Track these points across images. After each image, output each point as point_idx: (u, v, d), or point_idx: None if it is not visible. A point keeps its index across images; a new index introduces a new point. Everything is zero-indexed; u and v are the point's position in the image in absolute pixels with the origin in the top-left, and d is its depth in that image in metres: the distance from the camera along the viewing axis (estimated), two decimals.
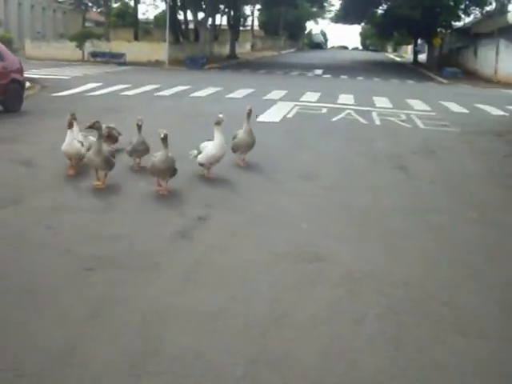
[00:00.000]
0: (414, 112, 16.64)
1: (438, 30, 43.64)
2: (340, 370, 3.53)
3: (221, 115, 7.57)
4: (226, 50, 49.78)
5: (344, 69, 41.13)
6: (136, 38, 42.68)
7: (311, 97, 19.43)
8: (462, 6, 40.46)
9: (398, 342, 3.88)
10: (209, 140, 7.74)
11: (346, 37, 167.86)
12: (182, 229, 5.96)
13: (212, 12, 42.85)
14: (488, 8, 41.62)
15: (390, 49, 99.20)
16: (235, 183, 7.86)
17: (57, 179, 7.75)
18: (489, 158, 10.69)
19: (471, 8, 41.47)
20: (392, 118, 15.02)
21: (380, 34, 59.41)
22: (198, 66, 35.78)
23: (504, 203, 7.67)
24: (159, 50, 38.00)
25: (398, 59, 69.53)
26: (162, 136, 6.65)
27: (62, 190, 7.29)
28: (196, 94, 19.16)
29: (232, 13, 48.16)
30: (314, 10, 75.17)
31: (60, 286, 4.59)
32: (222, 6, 48.22)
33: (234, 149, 8.61)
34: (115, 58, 35.26)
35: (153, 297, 4.44)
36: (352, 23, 60.63)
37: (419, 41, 53.46)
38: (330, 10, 71.47)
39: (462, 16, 43.11)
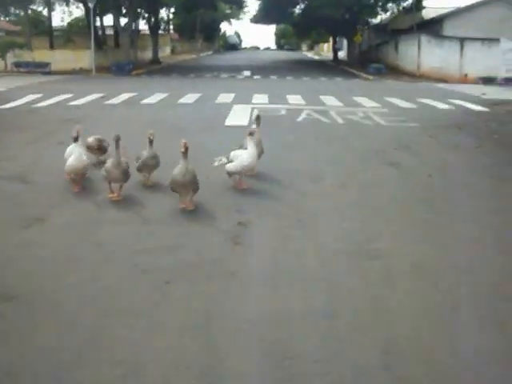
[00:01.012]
0: (366, 109, 17.11)
1: (358, 27, 44.80)
2: None
3: (254, 126, 7.53)
4: (146, 54, 49.25)
5: (270, 69, 41.64)
6: (52, 47, 41.47)
7: (261, 99, 19.61)
8: (381, 3, 41.66)
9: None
10: (239, 148, 7.69)
11: (259, 37, 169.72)
12: (231, 236, 5.98)
13: (134, 17, 42.25)
14: (404, 4, 43.05)
15: (304, 47, 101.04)
16: (254, 190, 7.83)
17: (64, 194, 7.51)
18: (463, 150, 11.19)
19: (388, 5, 42.84)
20: (351, 116, 15.40)
21: (298, 33, 60.45)
22: (125, 73, 35.28)
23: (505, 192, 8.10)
24: (83, 58, 37.26)
25: (316, 57, 70.91)
26: (183, 149, 6.38)
27: (78, 205, 7.09)
28: (146, 100, 18.94)
29: (152, 17, 47.65)
30: (228, 11, 75.42)
31: (152, 301, 4.55)
32: (141, 10, 47.55)
33: None
34: (40, 68, 34.19)
35: (252, 304, 4.48)
36: (271, 23, 61.38)
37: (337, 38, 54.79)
38: (245, 11, 71.91)
39: (381, 13, 44.46)
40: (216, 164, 7.70)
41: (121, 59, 38.29)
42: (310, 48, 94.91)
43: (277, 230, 6.23)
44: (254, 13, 57.22)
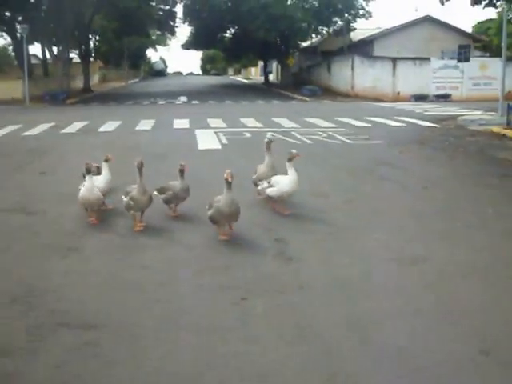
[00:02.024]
0: (325, 129, 17.58)
1: (290, 50, 45.85)
2: None
3: (294, 151, 7.42)
4: (77, 83, 48.52)
5: (206, 94, 41.96)
6: None
7: (218, 123, 19.80)
8: (313, 27, 42.87)
9: None
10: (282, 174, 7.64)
11: (183, 62, 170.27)
12: (276, 252, 6.12)
13: (67, 45, 41.69)
14: (335, 27, 44.45)
15: (230, 72, 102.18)
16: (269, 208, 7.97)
17: (79, 224, 7.44)
18: (439, 163, 11.76)
19: (319, 28, 44.13)
20: (315, 137, 15.80)
21: (229, 57, 61.17)
22: (59, 102, 34.72)
23: (496, 199, 8.63)
24: (14, 87, 36.40)
25: (246, 81, 71.81)
26: (230, 180, 6.19)
27: (103, 233, 7.03)
28: (102, 129, 18.82)
29: (83, 45, 47.12)
30: (154, 37, 75.36)
31: (235, 317, 4.67)
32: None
33: (255, 183, 8.27)
34: None
35: (335, 310, 4.66)
36: (201, 49, 61.84)
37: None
38: (170, 37, 71.96)
39: (313, 36, 45.72)
40: (259, 188, 7.83)
41: (52, 88, 37.63)
42: (238, 72, 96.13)
43: (314, 244, 6.42)
44: (186, 38, 57.35)
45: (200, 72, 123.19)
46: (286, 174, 7.48)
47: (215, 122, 20.02)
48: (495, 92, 36.23)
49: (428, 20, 41.98)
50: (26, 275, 5.71)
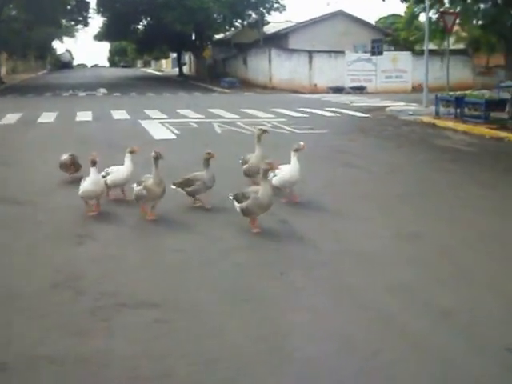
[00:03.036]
0: (267, 119, 18.04)
1: (205, 42, 45.98)
2: None
3: (301, 143, 7.58)
4: None
5: (124, 86, 41.39)
6: None
7: (157, 114, 19.82)
8: (228, 20, 43.20)
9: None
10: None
11: (90, 54, 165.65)
12: (289, 233, 6.52)
13: None
14: (249, 20, 44.96)
15: (139, 64, 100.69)
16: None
17: (76, 214, 7.42)
18: (391, 150, 12.50)
19: (234, 20, 44.52)
20: (262, 127, 16.05)
21: (141, 49, 60.41)
22: None
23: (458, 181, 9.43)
24: None
25: (158, 73, 71.12)
26: (270, 168, 6.28)
27: (109, 222, 7.11)
28: (41, 120, 18.43)
29: None
30: (63, 28, 72.98)
31: (282, 288, 5.02)
32: None
33: (247, 174, 8.40)
34: None
35: (369, 278, 5.11)
36: (114, 40, 60.68)
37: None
38: (78, 29, 70.11)
39: (227, 28, 46.05)
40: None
41: None
42: (148, 64, 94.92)
43: (317, 226, 6.86)
44: (98, 30, 56.09)
45: (106, 64, 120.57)
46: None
47: (154, 113, 20.02)
48: (406, 84, 38.20)
49: (341, 14, 43.32)
50: (53, 262, 5.75)
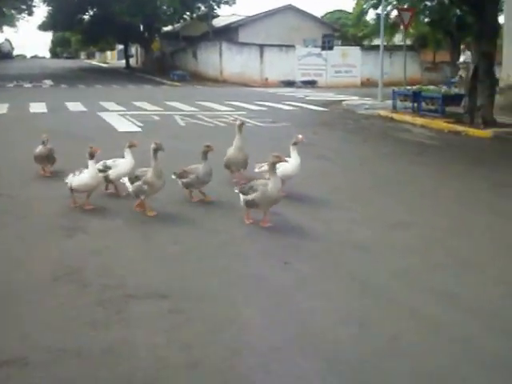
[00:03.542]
0: (228, 113, 18.05)
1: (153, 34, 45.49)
2: None
3: (300, 136, 7.46)
4: None
5: (71, 78, 40.63)
6: None
7: (113, 106, 19.57)
8: (178, 12, 42.87)
9: None
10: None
11: (32, 44, 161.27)
12: (283, 222, 6.58)
13: None
14: (199, 13, 44.72)
15: (83, 56, 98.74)
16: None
17: (56, 206, 7.26)
18: (357, 143, 12.73)
19: (183, 13, 44.21)
20: (225, 119, 16.21)
21: (87, 40, 59.26)
22: None
23: (424, 172, 9.72)
24: None
25: (104, 65, 69.88)
26: (278, 161, 6.22)
27: (97, 215, 6.98)
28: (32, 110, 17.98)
29: None
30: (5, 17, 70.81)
31: (288, 279, 5.08)
32: None
33: (227, 166, 8.30)
34: None
35: (375, 265, 5.24)
36: (59, 30, 59.29)
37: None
38: (19, 18, 68.19)
39: (177, 21, 45.67)
40: (257, 170, 7.75)
41: None
42: (91, 56, 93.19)
43: (308, 215, 6.97)
44: (43, 19, 54.65)
45: (47, 55, 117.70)
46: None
47: (111, 106, 19.74)
48: (355, 79, 38.84)
49: (290, 9, 43.59)
50: (47, 256, 5.62)
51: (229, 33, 42.52)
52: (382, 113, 18.58)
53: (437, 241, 6.14)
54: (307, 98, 25.01)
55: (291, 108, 20.26)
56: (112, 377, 3.59)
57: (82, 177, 6.84)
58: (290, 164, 7.42)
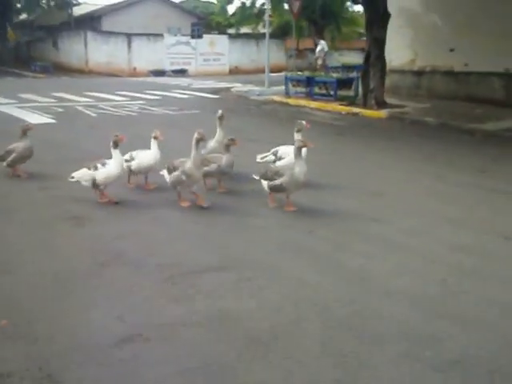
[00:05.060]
0: (127, 102, 17.92)
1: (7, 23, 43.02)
2: None
3: (304, 122, 7.36)
4: None
5: None
6: None
7: (1, 99, 18.62)
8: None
9: None
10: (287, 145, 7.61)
11: None
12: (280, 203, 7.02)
13: None
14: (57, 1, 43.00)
15: None
16: None
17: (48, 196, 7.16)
18: (276, 126, 13.34)
19: (40, 1, 42.28)
20: (133, 108, 16.21)
21: None
22: None
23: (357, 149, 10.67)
24: None
25: None
26: (305, 146, 6.34)
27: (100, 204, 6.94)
28: None
29: None
30: None
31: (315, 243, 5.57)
32: None
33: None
34: None
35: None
36: None
37: None
38: None
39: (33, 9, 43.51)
40: (259, 160, 7.70)
41: None
42: None
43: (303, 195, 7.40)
44: None
45: None
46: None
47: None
48: (223, 67, 39.51)
49: None
50: (73, 243, 5.62)
51: (91, 22, 41.34)
52: (276, 98, 19.31)
53: (423, 207, 7.06)
54: (192, 86, 25.27)
55: (186, 96, 20.47)
56: (235, 338, 3.83)
57: (108, 168, 6.52)
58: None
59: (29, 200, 7.08)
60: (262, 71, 23.84)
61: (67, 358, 3.58)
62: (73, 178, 6.74)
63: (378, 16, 16.10)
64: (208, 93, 21.66)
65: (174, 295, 4.49)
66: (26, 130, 7.76)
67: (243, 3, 37.80)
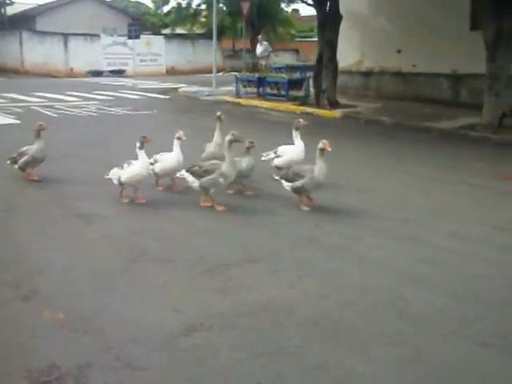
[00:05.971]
0: (81, 103, 17.75)
1: None
2: None
3: (301, 120, 7.46)
4: None
5: None
6: None
7: None
8: None
9: None
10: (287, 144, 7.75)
11: None
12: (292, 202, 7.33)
13: None
14: None
15: None
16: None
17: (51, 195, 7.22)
18: (239, 124, 13.44)
19: None
20: (89, 108, 16.13)
21: None
22: None
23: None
24: None
25: None
26: (325, 148, 6.31)
27: (107, 202, 7.01)
28: None
29: None
30: None
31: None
32: None
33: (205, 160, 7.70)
34: None
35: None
36: None
37: None
38: None
39: None
40: (263, 158, 7.76)
41: None
42: None
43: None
44: None
45: None
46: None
47: None
48: (160, 67, 39.38)
49: None
50: (95, 241, 5.71)
51: (25, 21, 40.24)
52: (227, 98, 19.50)
53: (412, 197, 7.55)
54: (137, 86, 25.15)
55: (137, 97, 20.42)
56: (297, 323, 4.08)
57: (133, 168, 6.62)
58: (296, 151, 7.43)
59: (31, 199, 7.13)
60: (199, 72, 24.04)
61: (139, 348, 3.71)
62: (108, 175, 6.91)
63: (330, 18, 16.54)
64: (157, 93, 21.67)
65: (217, 288, 4.64)
66: (39, 130, 7.56)
67: (179, 4, 37.75)
